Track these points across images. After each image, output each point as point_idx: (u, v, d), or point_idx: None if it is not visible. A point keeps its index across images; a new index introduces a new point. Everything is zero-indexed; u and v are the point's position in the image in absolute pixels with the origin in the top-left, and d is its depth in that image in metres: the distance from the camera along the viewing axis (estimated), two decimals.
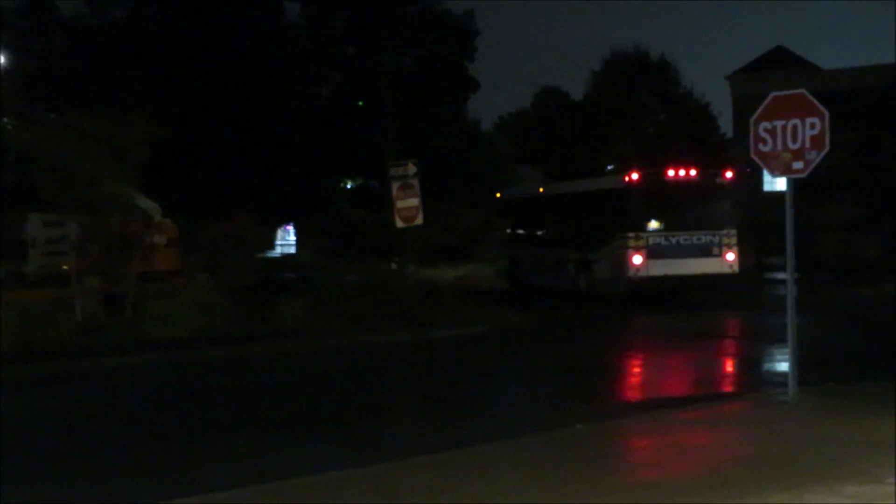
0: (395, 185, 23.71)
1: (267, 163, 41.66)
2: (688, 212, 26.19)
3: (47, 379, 16.20)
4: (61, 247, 27.34)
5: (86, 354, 17.83)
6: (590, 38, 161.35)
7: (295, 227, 60.23)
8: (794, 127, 11.48)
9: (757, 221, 36.39)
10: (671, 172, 26.50)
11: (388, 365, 18.27)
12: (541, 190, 34.16)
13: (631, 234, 25.86)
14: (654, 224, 26.14)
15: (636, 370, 17.63)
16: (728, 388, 15.30)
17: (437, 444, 10.33)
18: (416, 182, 23.55)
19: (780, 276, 26.08)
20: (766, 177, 29.72)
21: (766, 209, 33.74)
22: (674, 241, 25.74)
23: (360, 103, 50.72)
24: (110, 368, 17.09)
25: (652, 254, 25.56)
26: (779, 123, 11.65)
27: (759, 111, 11.97)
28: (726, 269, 26.38)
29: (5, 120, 46.41)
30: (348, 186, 55.15)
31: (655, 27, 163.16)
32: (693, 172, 26.52)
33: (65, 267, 26.30)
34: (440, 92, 50.91)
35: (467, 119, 57.90)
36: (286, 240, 63.68)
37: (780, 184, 12.98)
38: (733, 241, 26.62)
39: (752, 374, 16.35)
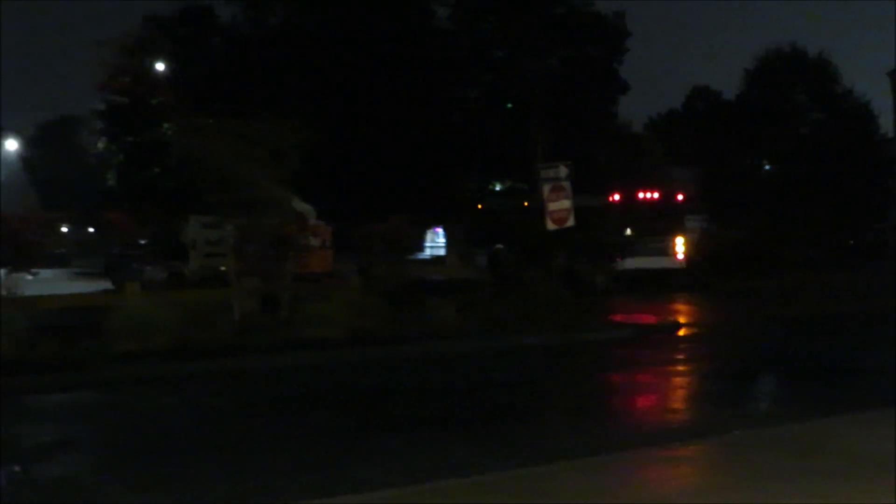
0: (546, 188, 23.58)
1: (417, 165, 42.05)
2: (651, 223, 34.00)
3: (207, 376, 16.67)
4: (220, 248, 28.03)
5: (243, 353, 18.22)
6: (742, 37, 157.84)
7: (444, 229, 60.56)
8: None
9: None
10: (640, 195, 35.09)
11: (538, 367, 18.18)
12: None
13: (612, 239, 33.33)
14: (628, 231, 34.42)
15: (798, 376, 17.11)
16: None
17: (591, 447, 10.19)
18: (567, 184, 23.38)
19: None
20: None
21: None
22: (641, 243, 33.40)
23: (509, 105, 50.74)
24: (266, 367, 17.45)
25: (627, 253, 32.91)
26: None
27: None
28: (677, 265, 34.00)
29: (166, 125, 48.15)
30: (497, 188, 55.17)
31: (811, 24, 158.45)
32: (656, 195, 35.12)
33: (223, 268, 27.00)
34: (589, 93, 50.57)
35: (617, 120, 57.26)
36: (435, 242, 64.07)
37: None
38: (682, 244, 34.44)
39: None
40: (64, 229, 55.34)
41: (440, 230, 60.49)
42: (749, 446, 9.75)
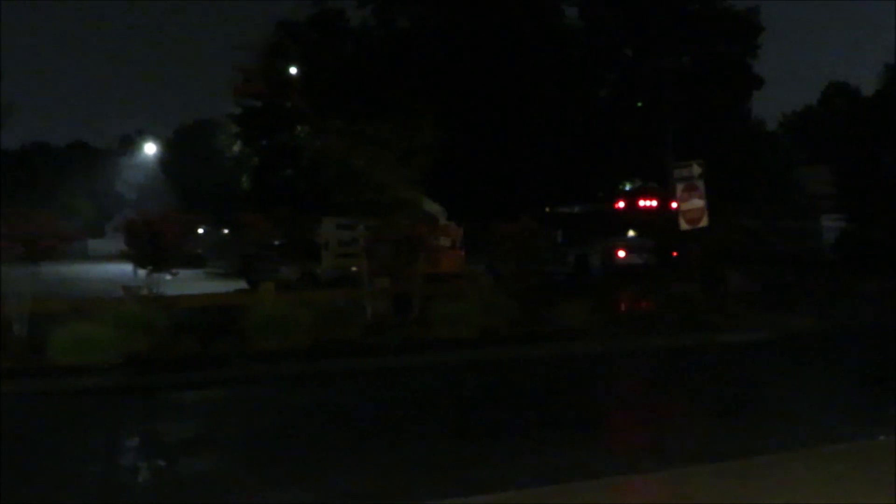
0: (679, 187, 23.25)
1: (546, 165, 41.92)
2: (649, 225, 33.63)
3: (340, 375, 16.90)
4: (352, 249, 28.34)
5: (375, 353, 18.44)
6: (880, 31, 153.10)
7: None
8: None
9: None
10: (641, 202, 36.63)
11: (671, 369, 17.92)
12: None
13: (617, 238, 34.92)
14: (630, 232, 35.43)
15: None
16: None
17: (731, 451, 10.04)
18: (700, 183, 23.01)
19: None
20: None
21: None
22: (639, 242, 34.00)
23: (639, 104, 50.17)
24: (398, 367, 17.62)
25: (628, 250, 34.23)
26: None
27: None
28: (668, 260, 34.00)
29: (299, 128, 48.99)
30: (626, 188, 54.60)
31: None
32: (654, 203, 35.82)
33: (354, 268, 27.28)
34: (722, 91, 49.62)
35: (751, 118, 56.04)
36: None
37: None
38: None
39: None
40: (200, 230, 56.73)
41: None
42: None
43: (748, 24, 49.90)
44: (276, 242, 37.72)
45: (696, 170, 23.29)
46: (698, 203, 23.05)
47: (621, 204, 37.28)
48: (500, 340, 19.65)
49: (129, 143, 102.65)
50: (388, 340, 19.13)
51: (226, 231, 57.59)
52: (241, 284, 35.42)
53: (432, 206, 28.51)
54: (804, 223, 46.46)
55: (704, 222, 23.12)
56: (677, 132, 44.45)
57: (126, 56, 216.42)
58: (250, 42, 52.57)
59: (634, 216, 35.53)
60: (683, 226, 23.25)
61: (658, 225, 29.16)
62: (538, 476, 9.24)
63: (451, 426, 12.38)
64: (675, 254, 28.51)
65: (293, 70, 51.39)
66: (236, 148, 57.79)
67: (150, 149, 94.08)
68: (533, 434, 11.64)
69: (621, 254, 33.98)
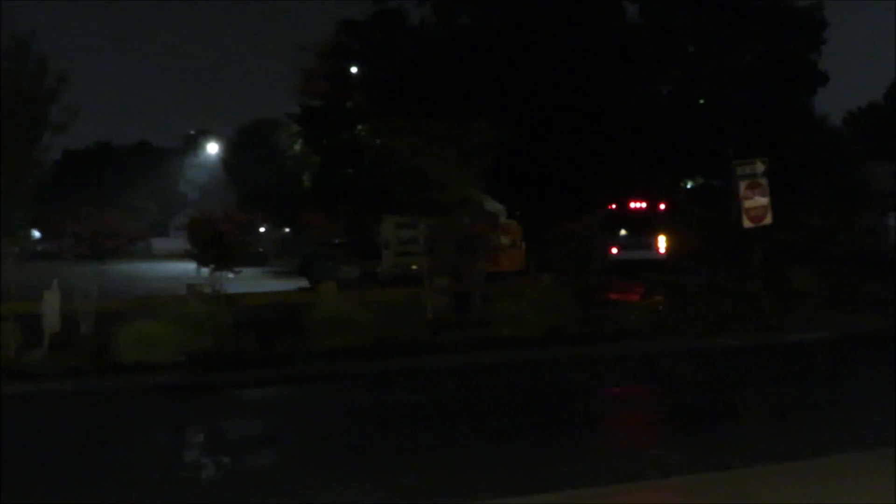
0: (742, 184, 22.93)
1: (607, 163, 41.72)
2: (640, 224, 37.84)
3: (402, 374, 16.90)
4: (412, 247, 28.39)
5: (436, 352, 18.42)
6: None
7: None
8: None
9: None
10: (632, 205, 39.23)
11: (735, 369, 17.68)
12: None
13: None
14: (622, 231, 37.69)
15: None
16: None
17: (792, 451, 9.90)
18: (764, 180, 22.71)
19: None
20: None
21: None
22: (631, 239, 37.30)
23: (701, 101, 49.74)
24: (459, 366, 17.58)
25: (621, 247, 36.60)
26: None
27: None
28: (657, 256, 36.52)
29: (360, 127, 49.17)
30: (689, 186, 54.12)
31: None
32: (643, 205, 39.25)
33: (414, 267, 27.33)
34: (785, 87, 49.02)
35: (814, 114, 55.29)
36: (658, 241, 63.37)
37: None
38: (661, 240, 37.34)
39: None
40: (262, 229, 57.16)
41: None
42: None
43: (812, 20, 49.27)
44: (337, 241, 37.94)
45: (760, 167, 22.98)
46: (762, 201, 22.74)
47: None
48: (563, 339, 19.54)
49: (192, 143, 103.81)
50: (450, 339, 19.12)
51: (287, 230, 57.97)
52: (303, 283, 35.66)
53: (493, 205, 28.47)
54: (870, 220, 45.69)
55: (768, 220, 22.81)
56: (740, 129, 44.01)
57: (189, 57, 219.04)
58: (312, 42, 52.88)
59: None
60: (747, 224, 22.93)
61: (719, 225, 28.81)
62: (599, 474, 9.17)
63: (508, 424, 12.31)
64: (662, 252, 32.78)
65: (354, 69, 51.61)
66: (298, 147, 58.14)
67: (212, 148, 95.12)
68: (602, 431, 11.56)
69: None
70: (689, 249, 26.96)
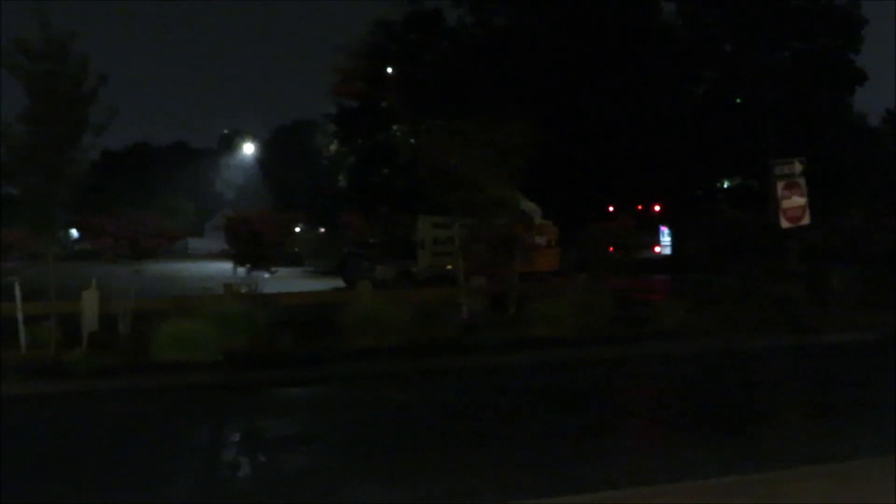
0: (779, 185, 22.79)
1: (642, 164, 41.55)
2: (642, 226, 34.34)
3: (437, 374, 16.91)
4: (448, 248, 28.37)
5: (472, 351, 18.46)
6: None
7: (669, 228, 59.63)
8: None
9: None
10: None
11: (771, 370, 17.57)
12: None
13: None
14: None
15: None
16: None
17: (829, 453, 9.85)
18: (802, 180, 22.55)
19: None
20: None
21: None
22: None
23: (738, 100, 49.43)
24: (495, 365, 17.58)
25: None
26: None
27: None
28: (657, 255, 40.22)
29: (396, 128, 49.22)
30: (725, 186, 53.81)
31: None
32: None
33: (449, 267, 27.33)
34: (823, 86, 48.63)
35: (853, 113, 54.78)
36: (660, 240, 63.11)
37: None
38: (659, 239, 41.50)
39: None
40: (297, 229, 57.34)
41: (665, 229, 59.55)
42: None
43: (850, 18, 48.91)
44: (373, 241, 37.98)
45: (798, 167, 22.83)
46: (800, 201, 22.60)
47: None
48: (599, 339, 19.51)
49: (228, 144, 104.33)
50: (485, 339, 19.12)
51: (322, 230, 58.14)
52: (338, 283, 35.77)
53: (528, 205, 28.43)
54: None
55: (806, 220, 22.65)
56: (777, 129, 43.67)
57: (225, 57, 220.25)
58: (348, 42, 52.97)
59: None
60: (784, 224, 22.79)
61: (754, 225, 28.62)
62: (631, 476, 9.16)
63: (542, 425, 12.30)
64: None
65: (390, 69, 51.66)
66: (333, 147, 58.30)
67: (248, 149, 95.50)
68: (632, 433, 11.53)
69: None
70: (720, 249, 26.76)
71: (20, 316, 17.37)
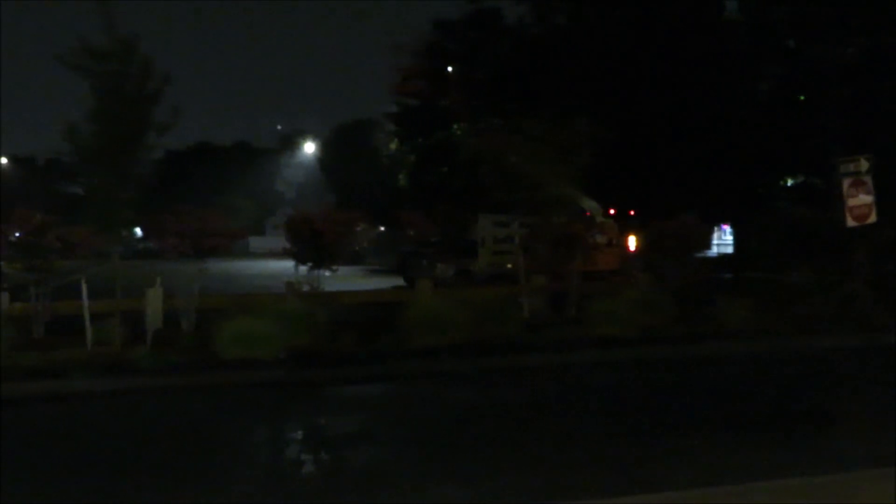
0: (845, 182, 22.43)
1: (705, 162, 41.15)
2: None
3: (498, 373, 16.89)
4: (508, 246, 28.33)
5: (532, 350, 18.37)
6: None
7: (732, 227, 59.05)
8: None
9: None
10: (631, 213, 38.44)
11: (837, 370, 17.29)
12: None
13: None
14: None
15: None
16: None
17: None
18: (868, 178, 22.18)
19: None
20: None
21: None
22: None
23: (802, 98, 48.74)
24: (556, 364, 17.49)
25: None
26: None
27: None
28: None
29: (456, 126, 49.24)
30: (788, 184, 53.12)
31: None
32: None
33: (509, 265, 27.29)
34: (890, 82, 47.78)
35: None
36: (722, 239, 62.60)
37: None
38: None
39: None
40: (358, 228, 57.52)
41: (727, 227, 59.03)
42: None
43: None
44: (433, 240, 38.05)
45: (864, 164, 22.45)
46: (866, 199, 22.21)
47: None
48: (661, 339, 19.34)
49: (289, 143, 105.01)
50: (546, 338, 19.04)
51: (382, 228, 58.35)
52: (398, 281, 35.89)
53: (589, 204, 28.33)
54: None
55: (873, 218, 22.27)
56: (842, 126, 42.99)
57: (286, 57, 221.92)
58: (408, 42, 53.11)
59: None
60: (850, 222, 22.41)
61: (819, 222, 28.20)
62: (694, 476, 9.07)
63: (604, 424, 12.24)
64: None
65: (450, 68, 51.69)
66: (393, 146, 58.52)
67: (308, 148, 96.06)
68: (698, 434, 11.41)
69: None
70: (784, 248, 26.32)
71: (87, 313, 17.63)
